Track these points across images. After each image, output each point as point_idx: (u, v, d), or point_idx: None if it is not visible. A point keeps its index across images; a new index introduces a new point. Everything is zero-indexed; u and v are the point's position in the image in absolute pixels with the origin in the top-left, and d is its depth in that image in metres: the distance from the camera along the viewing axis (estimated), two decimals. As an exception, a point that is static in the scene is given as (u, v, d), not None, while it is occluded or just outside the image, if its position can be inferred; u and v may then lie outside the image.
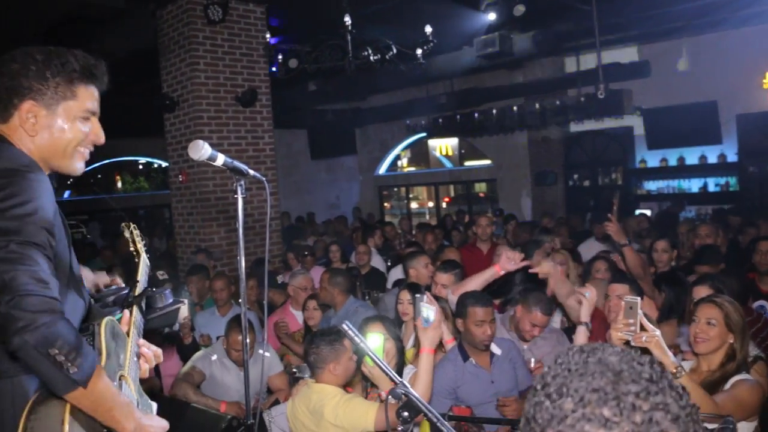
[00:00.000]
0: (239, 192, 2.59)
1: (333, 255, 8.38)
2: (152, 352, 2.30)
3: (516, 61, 13.24)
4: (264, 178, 2.69)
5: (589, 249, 7.85)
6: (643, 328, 3.04)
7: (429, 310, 3.55)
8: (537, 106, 12.65)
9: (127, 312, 2.33)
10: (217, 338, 5.57)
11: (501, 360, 4.23)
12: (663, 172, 13.54)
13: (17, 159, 1.93)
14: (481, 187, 18.39)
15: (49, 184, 1.94)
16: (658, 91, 12.45)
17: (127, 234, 2.71)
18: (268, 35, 7.93)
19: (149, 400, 2.28)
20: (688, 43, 12.04)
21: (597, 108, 11.69)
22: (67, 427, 1.76)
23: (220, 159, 2.48)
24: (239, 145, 9.04)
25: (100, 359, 1.95)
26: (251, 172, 2.60)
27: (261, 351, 4.86)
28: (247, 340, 2.75)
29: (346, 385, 3.77)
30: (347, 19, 7.11)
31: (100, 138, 2.15)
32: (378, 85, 13.88)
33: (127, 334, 2.25)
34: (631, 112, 12.20)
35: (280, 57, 7.85)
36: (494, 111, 13.51)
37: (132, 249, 2.69)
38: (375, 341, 3.57)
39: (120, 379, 2.06)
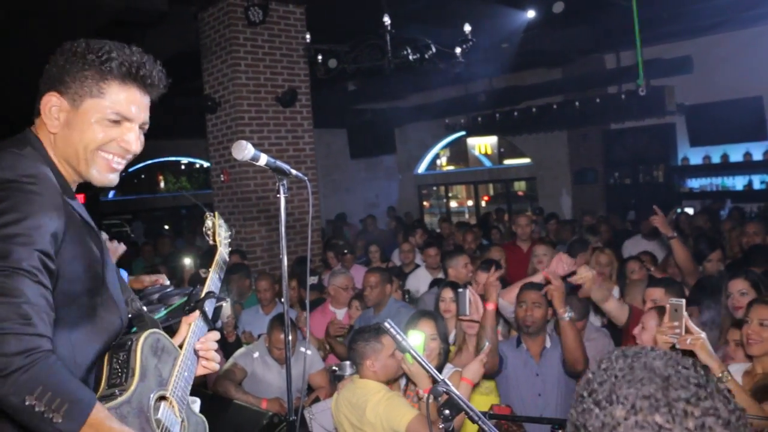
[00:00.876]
0: (282, 191, 2.59)
1: (372, 255, 8.41)
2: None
3: (555, 58, 13.17)
4: (305, 178, 2.71)
5: (635, 246, 7.79)
6: (688, 331, 3.00)
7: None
8: (577, 104, 12.51)
9: (191, 317, 2.24)
10: (259, 336, 5.62)
11: (550, 352, 4.25)
12: (706, 169, 13.30)
13: (20, 168, 1.68)
14: (520, 186, 18.27)
15: (57, 198, 1.71)
16: (701, 86, 12.22)
17: (209, 223, 2.59)
18: (307, 36, 7.97)
19: (200, 418, 2.16)
20: (732, 38, 11.82)
21: (638, 105, 11.53)
22: None
23: (263, 159, 2.49)
24: (280, 145, 9.12)
25: (131, 381, 1.82)
26: (293, 171, 2.62)
27: (303, 349, 4.91)
28: (290, 338, 2.77)
29: (389, 383, 3.79)
30: (386, 19, 7.12)
31: (131, 146, 1.87)
32: (417, 84, 13.88)
33: (180, 346, 2.11)
34: (673, 109, 11.98)
35: (319, 57, 7.88)
36: (534, 109, 13.40)
37: (211, 242, 2.59)
38: (416, 339, 3.58)
39: (158, 401, 1.90)
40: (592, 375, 1.10)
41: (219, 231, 2.61)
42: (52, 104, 1.80)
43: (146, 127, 1.93)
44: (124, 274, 2.88)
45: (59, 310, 1.66)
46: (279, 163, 2.56)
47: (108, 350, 1.90)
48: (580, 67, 13.68)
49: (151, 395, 1.86)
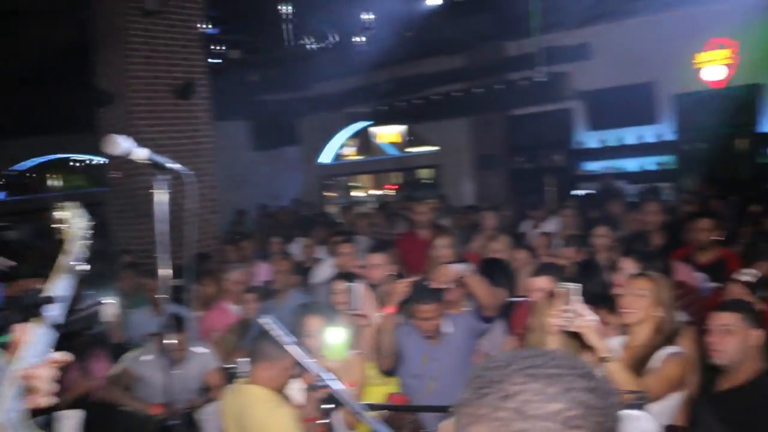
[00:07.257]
0: (160, 186, 2.50)
1: (274, 247, 8.28)
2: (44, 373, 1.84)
3: (456, 46, 13.29)
4: (186, 171, 2.60)
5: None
6: (578, 314, 3.03)
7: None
8: (479, 91, 12.68)
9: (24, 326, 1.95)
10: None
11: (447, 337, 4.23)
12: (603, 152, 13.66)
13: None
14: (425, 174, 18.38)
15: None
16: (599, 72, 12.54)
17: (57, 215, 2.18)
18: (206, 26, 7.75)
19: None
20: (628, 25, 12.16)
21: (538, 92, 11.77)
22: None
23: (139, 153, 2.39)
24: (177, 139, 8.82)
25: None
26: (172, 165, 2.51)
27: (194, 349, 4.71)
28: (177, 340, 2.67)
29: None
30: (286, 8, 7.01)
31: None
32: (319, 74, 13.77)
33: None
34: (571, 95, 12.29)
35: (219, 48, 7.70)
36: (436, 97, 13.51)
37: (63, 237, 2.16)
38: (338, 335, 3.44)
39: None
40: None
41: (73, 223, 2.21)
42: None
43: None
44: None
45: None
46: (156, 157, 2.45)
47: None
48: (481, 54, 13.84)
49: None
